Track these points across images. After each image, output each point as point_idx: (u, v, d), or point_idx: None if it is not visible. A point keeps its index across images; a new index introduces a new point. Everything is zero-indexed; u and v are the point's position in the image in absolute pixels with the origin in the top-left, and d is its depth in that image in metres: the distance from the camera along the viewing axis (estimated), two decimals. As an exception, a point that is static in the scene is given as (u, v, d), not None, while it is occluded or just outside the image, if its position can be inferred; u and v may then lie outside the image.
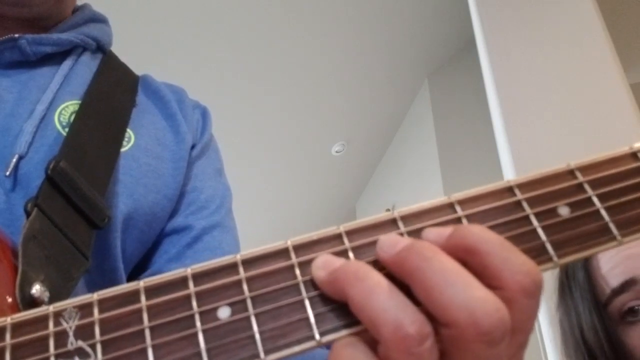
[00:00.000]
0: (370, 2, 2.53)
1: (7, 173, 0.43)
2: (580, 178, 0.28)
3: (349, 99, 2.94)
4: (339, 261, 0.26)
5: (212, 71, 2.56)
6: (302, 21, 2.52)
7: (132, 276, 0.51)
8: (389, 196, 3.27)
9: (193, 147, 0.59)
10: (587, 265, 0.68)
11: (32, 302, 0.34)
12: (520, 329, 0.25)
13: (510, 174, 1.63)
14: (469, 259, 0.25)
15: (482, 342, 0.23)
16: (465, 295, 0.23)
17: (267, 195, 3.39)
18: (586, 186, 0.27)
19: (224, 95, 2.68)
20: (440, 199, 0.28)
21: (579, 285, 0.68)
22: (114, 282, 0.47)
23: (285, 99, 2.83)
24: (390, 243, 0.26)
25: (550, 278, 1.40)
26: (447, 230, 0.26)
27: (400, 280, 0.26)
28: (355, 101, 2.97)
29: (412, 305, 0.24)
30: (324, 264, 0.27)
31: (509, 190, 0.28)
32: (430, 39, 2.79)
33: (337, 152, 3.27)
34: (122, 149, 0.51)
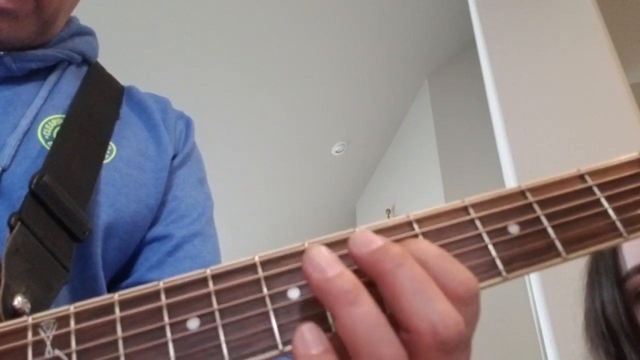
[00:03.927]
0: (370, 3, 2.54)
1: None
2: (530, 198, 0.29)
3: (349, 99, 2.95)
4: (332, 269, 0.26)
5: (212, 72, 2.57)
6: (302, 21, 2.53)
7: (114, 283, 0.52)
8: (389, 196, 3.27)
9: (175, 156, 0.60)
10: None
11: (14, 313, 0.36)
12: None
13: (510, 174, 1.63)
14: None
15: (438, 350, 0.25)
16: (429, 306, 0.25)
17: (267, 195, 3.40)
18: (535, 206, 0.29)
19: (223, 96, 2.69)
20: (399, 217, 0.29)
21: (604, 260, 0.70)
22: (95, 290, 0.49)
23: (285, 99, 2.84)
24: (365, 241, 0.27)
25: (550, 282, 1.40)
26: None
27: (368, 277, 0.27)
28: (355, 101, 2.98)
29: (395, 339, 0.25)
30: (319, 265, 0.26)
31: (464, 209, 0.29)
32: (430, 39, 2.79)
33: (337, 152, 3.28)
34: (104, 161, 0.52)
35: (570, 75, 1.77)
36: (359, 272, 0.27)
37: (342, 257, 0.28)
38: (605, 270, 0.69)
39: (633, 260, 0.65)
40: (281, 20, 2.49)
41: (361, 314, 0.25)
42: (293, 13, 2.48)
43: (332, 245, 0.29)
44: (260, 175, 3.24)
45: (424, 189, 2.83)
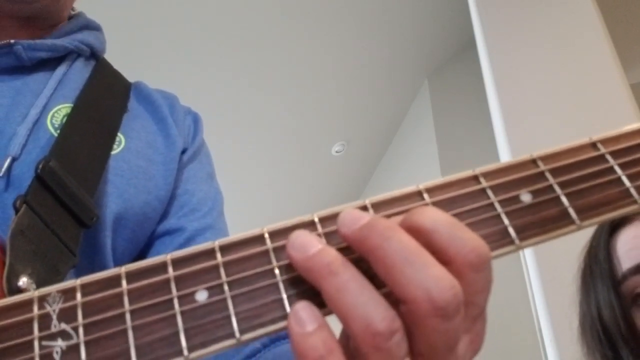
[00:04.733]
0: (370, 2, 2.54)
1: (0, 174, 0.45)
2: (542, 167, 0.29)
3: (349, 99, 2.95)
4: (314, 247, 0.27)
5: (212, 72, 2.57)
6: (302, 21, 2.53)
7: None
8: (389, 196, 3.26)
9: (184, 151, 0.60)
10: (609, 244, 0.69)
11: (19, 294, 0.35)
12: (471, 302, 0.27)
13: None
14: (418, 238, 0.26)
15: (437, 316, 0.25)
16: (422, 273, 0.25)
17: (267, 195, 3.40)
18: (547, 174, 0.29)
19: (223, 96, 2.69)
20: (410, 187, 0.29)
21: (599, 264, 0.69)
22: None
23: (285, 99, 2.84)
24: (352, 219, 0.27)
25: (549, 273, 1.40)
26: (400, 217, 0.28)
27: (360, 254, 0.27)
28: (355, 101, 2.98)
29: (383, 301, 0.26)
30: (300, 245, 0.27)
31: (475, 178, 0.29)
32: (430, 38, 2.80)
33: (337, 152, 3.27)
34: (113, 152, 0.52)
35: (570, 75, 1.77)
36: (350, 249, 0.27)
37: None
38: (601, 274, 0.68)
39: (628, 262, 0.65)
40: (281, 20, 2.49)
41: (343, 280, 0.26)
42: (293, 13, 2.48)
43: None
44: (260, 175, 3.24)
45: (424, 189, 2.81)
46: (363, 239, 0.27)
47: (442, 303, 0.24)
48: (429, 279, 0.25)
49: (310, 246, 0.27)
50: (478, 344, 0.28)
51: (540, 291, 1.43)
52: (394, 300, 0.26)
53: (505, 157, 1.69)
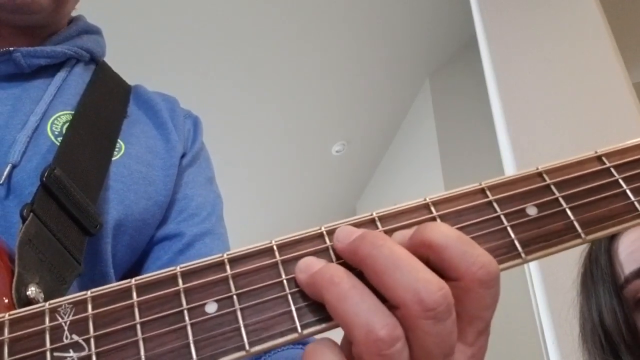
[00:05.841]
0: (371, 2, 2.54)
1: (1, 181, 0.45)
2: (548, 180, 0.29)
3: (349, 98, 2.95)
4: (318, 264, 0.28)
5: (212, 72, 2.57)
6: (301, 21, 2.53)
7: None
8: (389, 196, 3.27)
9: (184, 155, 0.60)
10: (610, 249, 0.68)
11: (28, 303, 0.35)
12: (478, 316, 0.27)
13: (512, 174, 1.62)
14: (429, 254, 0.27)
15: (428, 318, 0.25)
16: (410, 276, 0.26)
17: (267, 195, 3.40)
18: (553, 187, 0.29)
19: (223, 96, 2.69)
20: (416, 200, 0.29)
21: (600, 268, 0.68)
22: None
23: (285, 99, 2.83)
24: (345, 234, 0.29)
25: (552, 279, 1.40)
26: (410, 232, 0.28)
27: (355, 267, 0.28)
28: (356, 101, 2.98)
29: (384, 308, 0.26)
30: (306, 267, 0.28)
31: (481, 191, 0.29)
32: (431, 38, 2.79)
33: (337, 152, 3.27)
34: (113, 158, 0.52)
35: (572, 74, 1.76)
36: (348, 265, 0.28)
37: None
38: (602, 278, 0.67)
39: (630, 265, 0.64)
40: (281, 19, 2.49)
41: (344, 289, 0.26)
42: (293, 13, 2.48)
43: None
44: (260, 175, 3.24)
45: (425, 189, 2.82)
46: (355, 249, 0.28)
47: (432, 304, 0.25)
48: (417, 282, 0.25)
49: (314, 265, 0.28)
50: (479, 359, 0.28)
51: (543, 297, 1.43)
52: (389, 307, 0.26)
53: (508, 157, 1.68)
